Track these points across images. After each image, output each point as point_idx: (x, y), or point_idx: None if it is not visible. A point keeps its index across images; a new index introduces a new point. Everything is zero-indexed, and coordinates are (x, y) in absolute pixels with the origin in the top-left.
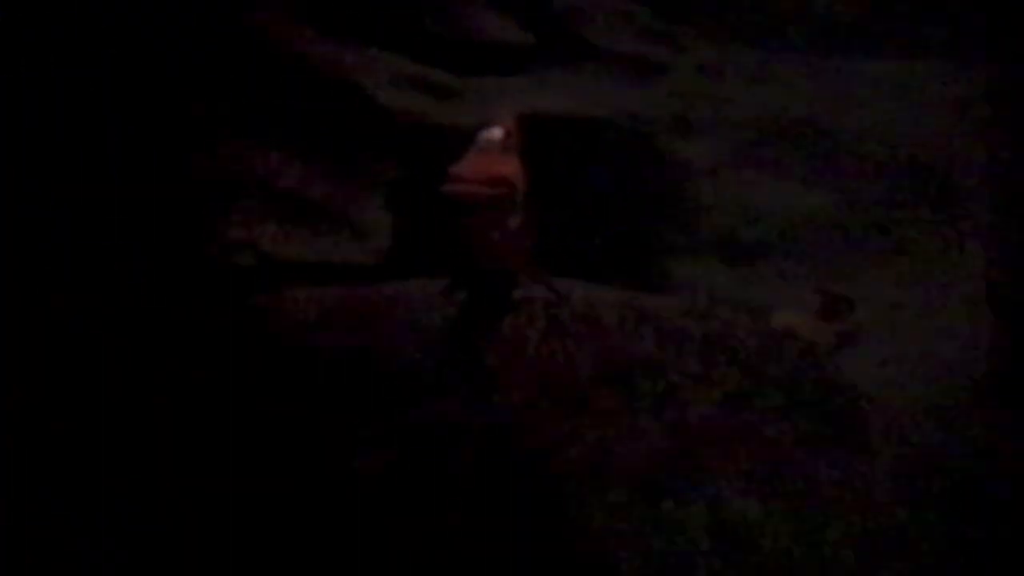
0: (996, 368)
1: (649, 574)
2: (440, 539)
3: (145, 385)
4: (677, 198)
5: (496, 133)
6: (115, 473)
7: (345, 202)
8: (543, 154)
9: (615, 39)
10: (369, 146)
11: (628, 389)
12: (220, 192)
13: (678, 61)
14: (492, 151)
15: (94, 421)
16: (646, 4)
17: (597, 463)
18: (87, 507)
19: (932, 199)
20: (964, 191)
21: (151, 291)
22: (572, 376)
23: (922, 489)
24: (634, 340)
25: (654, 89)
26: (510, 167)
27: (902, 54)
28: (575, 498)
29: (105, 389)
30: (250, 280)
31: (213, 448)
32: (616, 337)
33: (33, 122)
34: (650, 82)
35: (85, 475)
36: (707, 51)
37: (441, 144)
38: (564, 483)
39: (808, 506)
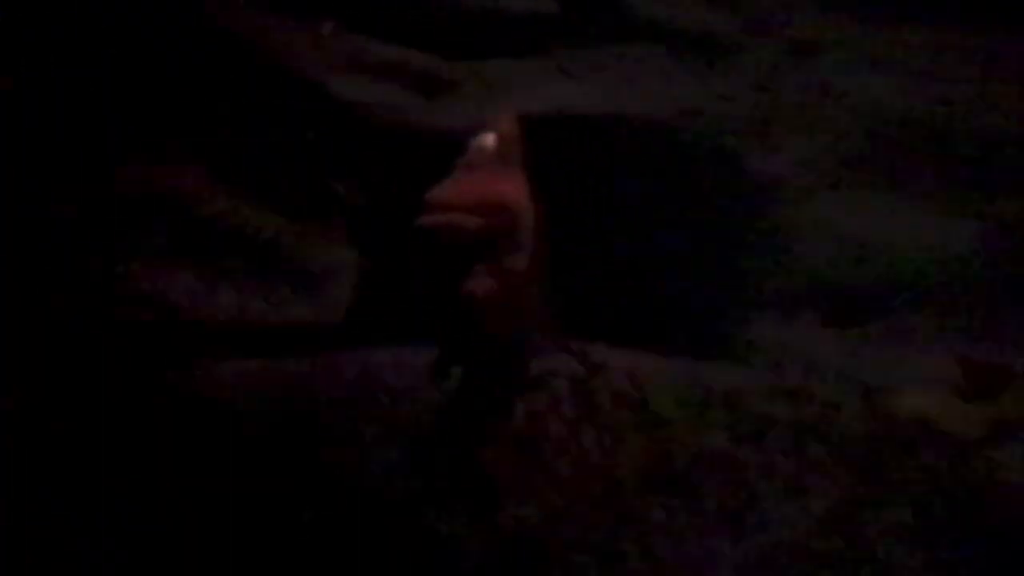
0: None
1: None
2: None
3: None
4: (756, 230)
5: (489, 141)
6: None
7: (290, 237)
8: (563, 168)
9: (671, 9)
10: (323, 159)
11: (690, 500)
12: (117, 224)
13: (756, 41)
14: (485, 166)
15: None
16: None
17: None
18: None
19: None
20: None
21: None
22: (612, 481)
23: None
24: (697, 430)
25: (726, 78)
26: (510, 187)
27: None
28: None
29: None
30: (155, 346)
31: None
32: (673, 426)
33: None
34: (720, 69)
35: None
36: (799, 26)
37: (421, 156)
38: None
39: None
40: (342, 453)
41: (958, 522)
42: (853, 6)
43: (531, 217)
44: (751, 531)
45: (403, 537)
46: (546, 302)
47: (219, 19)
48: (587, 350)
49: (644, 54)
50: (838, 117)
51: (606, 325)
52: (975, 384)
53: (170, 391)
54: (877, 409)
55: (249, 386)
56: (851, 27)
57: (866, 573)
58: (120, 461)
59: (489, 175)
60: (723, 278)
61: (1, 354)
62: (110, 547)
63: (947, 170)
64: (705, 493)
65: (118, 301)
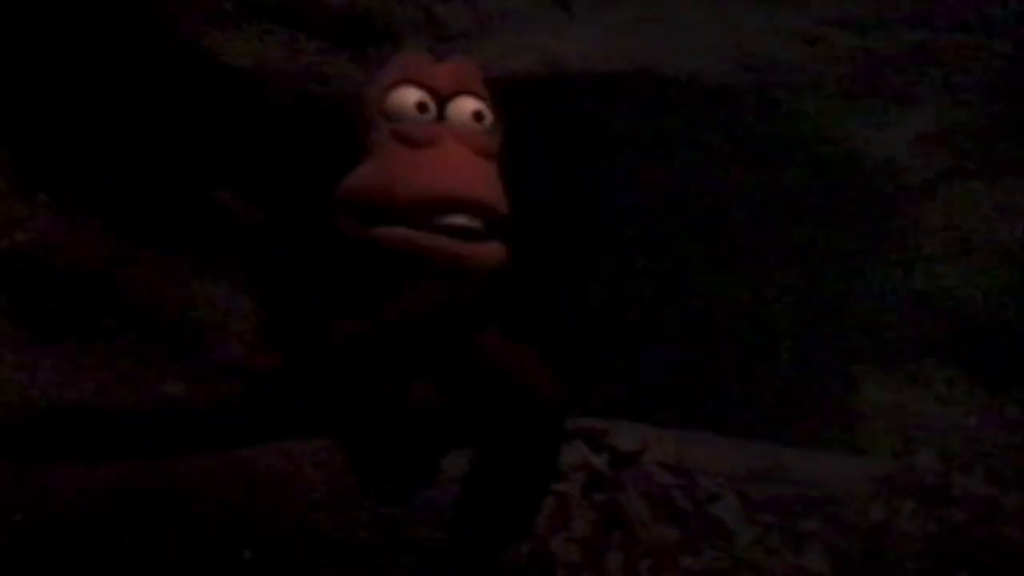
0: None
1: None
2: None
3: None
4: (863, 241)
5: None
6: None
7: (149, 275)
8: (561, 153)
9: None
10: (199, 157)
11: None
12: None
13: None
14: None
15: None
16: None
17: None
18: None
19: None
20: None
21: None
22: None
23: None
24: (779, 551)
25: (806, 10)
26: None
27: None
28: None
29: None
30: None
31: None
32: (739, 543)
33: None
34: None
35: None
36: None
37: (346, 145)
38: None
39: None
40: None
41: None
42: None
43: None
44: None
45: None
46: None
47: None
48: (609, 430)
49: None
50: (970, 71)
51: (635, 391)
52: None
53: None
54: None
55: (98, 501)
56: None
57: None
58: None
59: None
60: (815, 316)
61: None
62: None
63: None
64: None
65: None
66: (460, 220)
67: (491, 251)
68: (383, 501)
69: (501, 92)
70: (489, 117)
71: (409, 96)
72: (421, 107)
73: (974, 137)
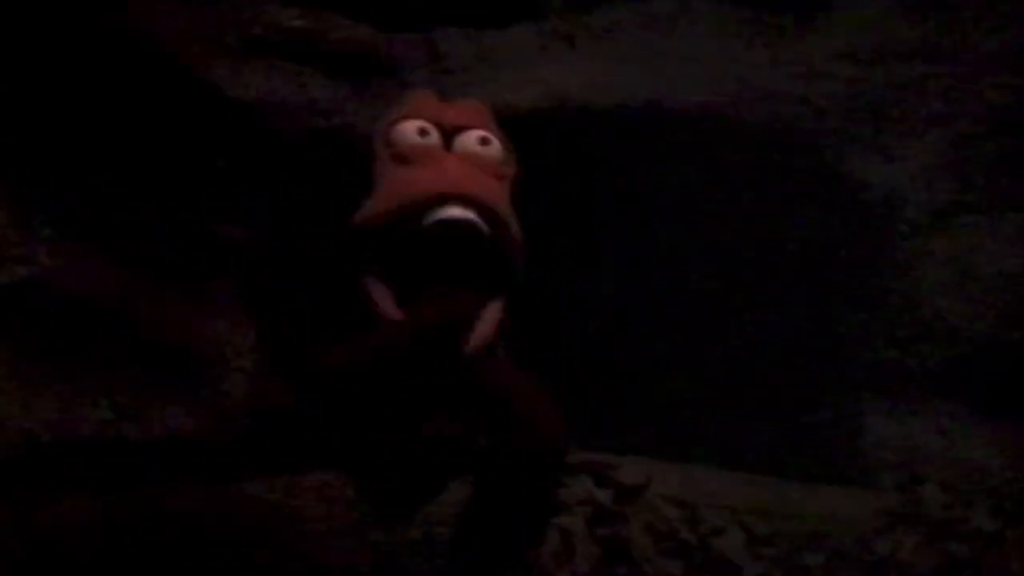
0: None
1: None
2: None
3: None
4: (867, 272)
5: None
6: None
7: (151, 308)
8: (566, 187)
9: None
10: (200, 182)
11: None
12: None
13: None
14: None
15: None
16: None
17: None
18: None
19: None
20: None
21: None
22: None
23: None
24: None
25: (816, 43)
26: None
27: None
28: None
29: None
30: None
31: None
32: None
33: None
34: (809, 28)
35: None
36: None
37: (348, 178)
38: None
39: None
40: None
41: None
42: None
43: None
44: None
45: None
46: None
47: None
48: (613, 464)
49: (688, 8)
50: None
51: (636, 425)
52: None
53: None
54: None
55: (103, 536)
56: None
57: None
58: None
59: None
60: (819, 349)
61: None
62: None
63: None
64: None
65: None
66: (453, 211)
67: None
68: (387, 528)
69: (506, 127)
70: (497, 144)
71: (411, 125)
72: (422, 132)
73: (977, 170)
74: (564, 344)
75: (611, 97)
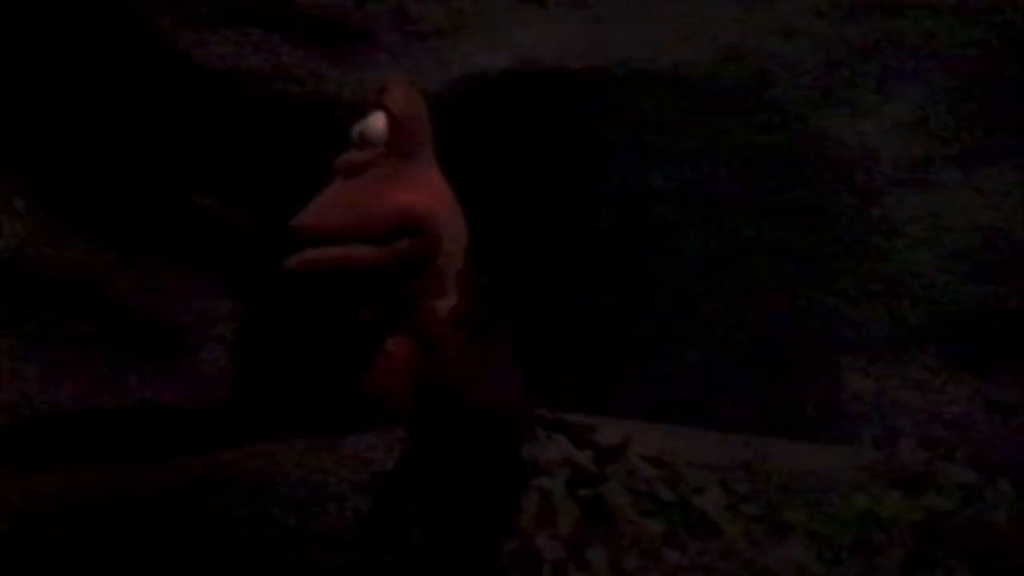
0: None
1: None
2: None
3: None
4: (841, 231)
5: (377, 126)
6: None
7: (130, 280)
8: (537, 154)
9: None
10: (174, 152)
11: None
12: None
13: None
14: (377, 164)
15: None
16: None
17: None
18: None
19: None
20: None
21: None
22: None
23: None
24: (763, 543)
25: (779, 4)
26: (418, 194)
27: None
28: None
29: None
30: None
31: None
32: (724, 537)
33: None
34: None
35: None
36: None
37: (323, 147)
38: None
39: None
40: None
41: None
42: None
43: (458, 234)
44: None
45: None
46: (507, 356)
47: None
48: (592, 426)
49: None
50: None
51: (617, 387)
52: None
53: None
54: None
55: (82, 503)
56: None
57: None
58: None
59: (384, 178)
60: (797, 307)
61: None
62: None
63: None
64: None
65: None
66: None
67: None
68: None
69: (480, 91)
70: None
71: None
72: None
73: (950, 125)
74: (543, 305)
75: (585, 59)
